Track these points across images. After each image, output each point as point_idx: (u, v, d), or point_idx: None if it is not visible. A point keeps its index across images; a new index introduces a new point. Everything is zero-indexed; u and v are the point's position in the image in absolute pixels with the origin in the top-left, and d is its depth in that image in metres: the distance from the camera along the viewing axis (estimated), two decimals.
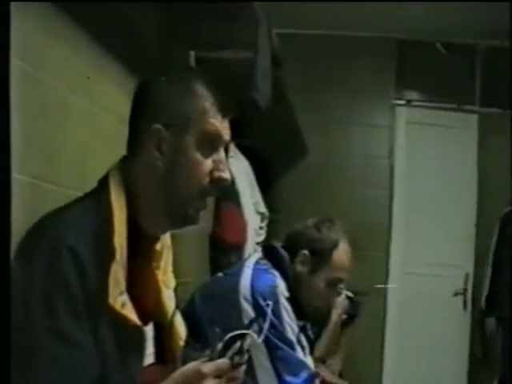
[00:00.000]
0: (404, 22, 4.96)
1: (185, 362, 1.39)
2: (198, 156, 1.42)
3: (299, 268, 2.45)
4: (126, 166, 1.46)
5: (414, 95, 5.45)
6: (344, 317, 3.91)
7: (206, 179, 1.43)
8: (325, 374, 3.60)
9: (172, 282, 1.62)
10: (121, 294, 1.32)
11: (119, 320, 1.32)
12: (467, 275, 5.33)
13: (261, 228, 4.11)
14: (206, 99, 1.43)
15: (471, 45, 5.25)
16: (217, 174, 1.44)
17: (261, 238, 4.05)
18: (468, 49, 5.26)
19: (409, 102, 5.43)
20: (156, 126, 1.41)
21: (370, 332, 5.09)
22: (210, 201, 3.70)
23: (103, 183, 1.44)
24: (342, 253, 2.47)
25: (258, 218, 4.09)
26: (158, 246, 1.53)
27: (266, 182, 4.81)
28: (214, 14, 2.41)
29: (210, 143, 1.44)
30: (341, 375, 3.90)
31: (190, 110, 1.42)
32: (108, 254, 1.31)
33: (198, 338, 2.23)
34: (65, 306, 1.24)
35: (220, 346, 1.33)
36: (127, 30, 2.17)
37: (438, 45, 5.22)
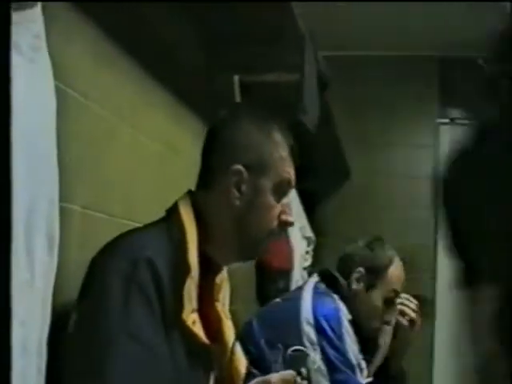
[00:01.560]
0: (446, 39, 4.90)
1: None
2: (272, 200, 1.52)
3: (355, 286, 2.45)
4: (197, 198, 1.54)
5: (457, 113, 5.37)
6: None
7: (276, 222, 1.54)
8: None
9: (229, 318, 1.69)
10: (193, 311, 1.41)
11: (189, 336, 1.40)
12: None
13: (307, 253, 4.06)
14: (283, 147, 1.54)
15: None
16: (284, 217, 1.55)
17: (307, 263, 4.01)
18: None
19: (452, 120, 5.34)
20: (237, 167, 1.50)
21: (419, 354, 5.01)
22: None
23: (173, 211, 1.52)
24: (396, 269, 2.49)
25: (304, 242, 4.06)
26: (218, 279, 1.62)
27: (310, 205, 4.78)
28: (258, 36, 2.39)
29: (282, 189, 1.54)
30: None
31: (269, 156, 1.52)
32: (183, 271, 1.40)
33: (256, 363, 2.23)
34: (144, 312, 1.33)
35: (280, 359, 1.46)
36: (172, 55, 2.15)
37: (480, 61, 5.13)
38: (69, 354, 1.31)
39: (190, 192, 1.56)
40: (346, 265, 2.50)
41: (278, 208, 1.53)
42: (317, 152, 3.74)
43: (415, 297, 2.74)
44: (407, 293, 4.07)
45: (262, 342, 2.27)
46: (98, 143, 1.74)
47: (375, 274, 2.46)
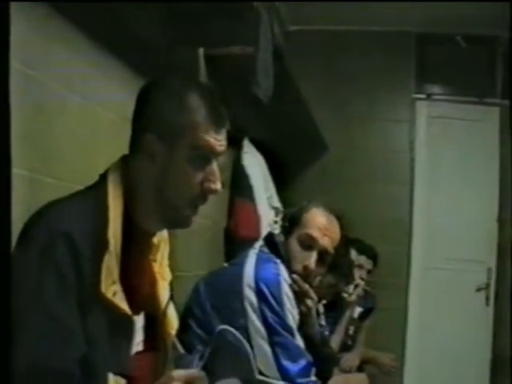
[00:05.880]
0: (423, 15, 4.94)
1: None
2: (188, 168, 1.47)
3: (279, 238, 2.55)
4: (125, 165, 1.51)
5: (434, 89, 5.42)
6: (360, 310, 3.97)
7: (196, 190, 1.48)
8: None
9: (168, 275, 1.67)
10: (113, 283, 1.38)
11: (110, 308, 1.38)
12: (490, 270, 5.30)
13: (275, 222, 4.13)
14: (198, 112, 1.47)
15: (492, 37, 5.19)
16: (207, 185, 1.49)
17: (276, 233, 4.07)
18: (488, 41, 5.22)
19: (429, 96, 5.40)
20: (149, 136, 1.46)
21: (391, 328, 5.11)
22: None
23: (102, 179, 1.50)
24: (311, 215, 2.53)
25: (272, 212, 4.12)
26: (155, 240, 1.59)
27: (286, 178, 4.85)
28: (216, 11, 2.44)
29: (201, 156, 1.48)
30: (360, 370, 3.94)
31: (182, 123, 1.46)
32: (102, 245, 1.37)
33: (202, 326, 2.32)
34: (54, 285, 1.31)
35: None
36: (128, 28, 2.21)
37: (458, 38, 5.19)
38: None
39: (123, 157, 1.54)
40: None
41: (198, 176, 1.47)
42: (283, 124, 3.80)
43: None
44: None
45: (208, 305, 2.35)
46: (47, 113, 1.80)
47: (290, 221, 2.55)
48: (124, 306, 1.42)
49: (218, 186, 1.50)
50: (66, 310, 1.32)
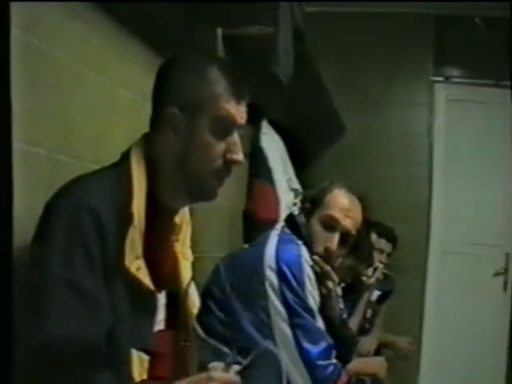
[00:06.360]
0: None
1: None
2: (210, 138, 1.50)
3: (300, 219, 2.53)
4: (147, 142, 1.55)
5: (452, 72, 5.37)
6: (378, 293, 3.95)
7: (219, 160, 1.51)
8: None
9: (190, 256, 1.71)
10: (137, 258, 1.42)
11: (133, 283, 1.41)
12: (508, 255, 5.26)
13: (294, 204, 4.11)
14: (218, 84, 1.50)
15: (510, 19, 5.13)
16: (229, 155, 1.52)
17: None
18: (507, 24, 5.14)
19: (447, 78, 5.35)
20: (171, 109, 1.49)
21: (408, 312, 5.09)
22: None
23: (125, 156, 1.53)
24: (334, 197, 2.52)
25: (291, 194, 4.11)
26: (178, 220, 1.63)
27: (304, 161, 4.83)
28: None
29: (223, 127, 1.51)
30: (377, 354, 3.92)
31: (202, 95, 1.49)
32: (127, 220, 1.40)
33: (222, 306, 2.32)
34: (82, 260, 1.34)
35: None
36: (147, 6, 2.19)
37: (477, 20, 5.13)
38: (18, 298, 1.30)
39: (145, 134, 1.57)
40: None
41: (220, 146, 1.50)
42: (302, 106, 3.78)
43: None
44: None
45: (228, 286, 2.34)
46: (63, 90, 1.79)
47: (312, 202, 2.53)
48: (147, 281, 1.44)
49: (241, 156, 1.53)
50: (93, 283, 1.35)
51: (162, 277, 1.53)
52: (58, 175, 1.66)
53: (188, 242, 1.70)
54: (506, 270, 5.25)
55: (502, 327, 5.13)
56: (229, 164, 1.53)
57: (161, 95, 1.54)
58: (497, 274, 5.25)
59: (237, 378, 1.44)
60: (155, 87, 1.56)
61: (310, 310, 2.32)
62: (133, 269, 1.40)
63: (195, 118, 1.49)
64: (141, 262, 1.43)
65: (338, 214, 2.46)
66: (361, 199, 2.57)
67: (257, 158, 3.82)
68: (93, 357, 1.32)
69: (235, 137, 1.53)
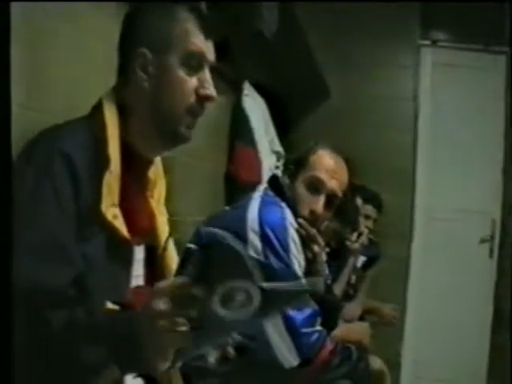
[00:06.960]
0: None
1: None
2: (181, 74, 1.50)
3: (284, 180, 2.46)
4: (118, 90, 1.54)
5: (440, 35, 5.29)
6: (363, 259, 3.89)
7: (192, 97, 1.51)
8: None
9: (165, 213, 1.70)
10: (113, 205, 1.40)
11: (109, 231, 1.39)
12: (494, 221, 5.21)
13: (277, 167, 4.05)
14: (187, 21, 1.51)
15: None
16: (202, 91, 1.52)
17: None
18: None
19: (434, 42, 5.27)
20: (141, 49, 1.49)
21: (393, 278, 5.05)
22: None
23: (97, 107, 1.51)
24: (319, 158, 2.44)
25: (273, 156, 4.05)
26: (152, 175, 1.62)
27: (287, 123, 4.76)
28: None
29: (193, 62, 1.51)
30: (362, 320, 3.88)
31: (171, 32, 1.50)
32: (102, 164, 1.39)
33: None
34: (52, 204, 1.32)
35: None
36: None
37: None
38: None
39: (114, 86, 1.56)
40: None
41: (192, 82, 1.51)
42: (286, 66, 3.70)
43: None
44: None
45: None
46: (35, 45, 1.72)
47: (296, 164, 2.46)
48: (123, 230, 1.42)
49: (213, 92, 1.53)
50: (62, 227, 1.32)
51: (138, 229, 1.51)
52: (29, 131, 1.56)
53: (163, 199, 1.69)
54: (492, 237, 5.21)
55: (487, 294, 5.13)
56: (201, 100, 1.52)
57: (129, 40, 1.53)
58: (483, 242, 5.21)
59: (185, 279, 1.17)
60: (122, 34, 1.56)
61: (294, 275, 2.23)
62: (109, 216, 1.38)
63: (166, 56, 1.49)
64: (117, 211, 1.41)
65: (323, 176, 2.38)
66: (346, 160, 2.49)
67: (238, 119, 3.77)
68: (55, 305, 1.24)
69: (206, 73, 1.53)
